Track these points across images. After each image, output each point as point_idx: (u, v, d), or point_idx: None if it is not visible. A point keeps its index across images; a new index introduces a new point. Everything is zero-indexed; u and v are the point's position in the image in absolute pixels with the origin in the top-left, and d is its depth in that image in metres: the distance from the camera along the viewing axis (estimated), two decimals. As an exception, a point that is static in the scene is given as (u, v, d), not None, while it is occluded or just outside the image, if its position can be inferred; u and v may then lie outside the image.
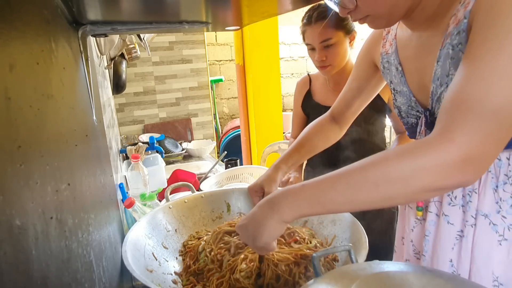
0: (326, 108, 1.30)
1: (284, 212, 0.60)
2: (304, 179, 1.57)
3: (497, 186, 0.67)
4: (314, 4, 1.21)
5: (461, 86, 0.53)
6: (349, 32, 1.24)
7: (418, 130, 0.77)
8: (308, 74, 1.50)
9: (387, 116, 1.38)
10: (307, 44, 1.28)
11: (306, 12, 1.27)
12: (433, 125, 0.67)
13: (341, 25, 1.21)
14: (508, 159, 0.65)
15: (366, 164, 0.56)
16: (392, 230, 1.41)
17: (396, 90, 0.82)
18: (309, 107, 1.44)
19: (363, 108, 1.01)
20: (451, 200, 0.73)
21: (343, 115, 1.03)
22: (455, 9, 0.62)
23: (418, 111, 0.77)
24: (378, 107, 1.31)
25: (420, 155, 0.52)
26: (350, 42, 1.27)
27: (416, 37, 0.74)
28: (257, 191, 0.96)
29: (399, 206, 0.93)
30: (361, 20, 0.68)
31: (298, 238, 0.85)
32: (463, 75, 0.53)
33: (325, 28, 1.20)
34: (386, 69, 0.85)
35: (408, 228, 0.86)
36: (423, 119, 0.75)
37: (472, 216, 0.70)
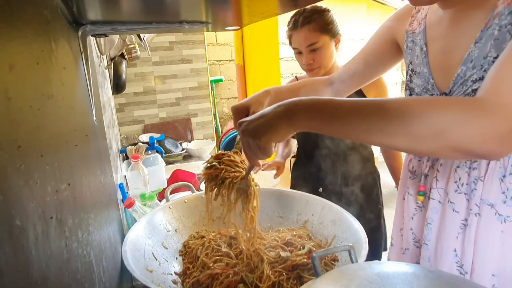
0: None
1: (297, 117, 0.57)
2: (292, 172, 1.60)
3: (504, 176, 0.66)
4: (299, 8, 1.21)
5: None
6: (334, 35, 1.29)
7: None
8: (295, 77, 1.52)
9: None
10: (294, 48, 1.32)
11: (292, 17, 1.29)
12: None
13: (326, 29, 1.25)
14: None
15: (407, 102, 0.53)
16: (379, 226, 1.43)
17: (415, 71, 0.79)
18: None
19: (363, 85, 0.98)
20: (458, 187, 0.71)
21: (342, 84, 0.98)
22: None
23: (432, 94, 0.75)
24: None
25: (470, 110, 0.50)
26: (335, 45, 1.31)
27: (450, 16, 0.71)
28: (242, 112, 0.88)
29: (397, 196, 0.90)
30: None
31: (291, 241, 0.86)
32: None
33: (311, 32, 1.24)
34: (409, 48, 0.82)
35: (407, 216, 0.85)
36: None
37: (476, 205, 0.68)
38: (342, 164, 1.35)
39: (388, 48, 0.91)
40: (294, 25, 1.27)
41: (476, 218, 0.69)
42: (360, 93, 1.33)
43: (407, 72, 0.83)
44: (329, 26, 1.26)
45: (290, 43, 1.33)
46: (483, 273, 0.69)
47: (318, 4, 1.16)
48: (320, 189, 1.41)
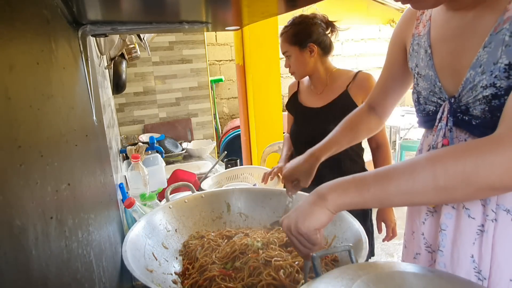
0: (308, 108, 1.51)
1: (332, 200, 0.60)
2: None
3: None
4: (281, 13, 1.24)
5: None
6: (303, 46, 1.40)
7: (438, 117, 0.73)
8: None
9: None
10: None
11: None
12: (457, 113, 0.69)
13: (293, 40, 1.41)
14: None
15: (428, 157, 0.55)
16: (367, 231, 1.42)
17: (420, 74, 0.78)
18: (295, 106, 1.57)
19: (401, 99, 1.00)
20: None
21: (381, 105, 1.00)
22: None
23: (440, 98, 0.73)
24: (350, 110, 1.34)
25: (487, 151, 0.52)
26: (311, 53, 1.41)
27: (457, 17, 0.69)
28: (293, 181, 0.94)
29: None
30: (405, 1, 0.64)
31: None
32: None
33: (283, 42, 1.44)
34: (414, 51, 0.81)
35: (419, 221, 0.83)
36: (446, 106, 0.71)
37: (493, 211, 0.67)
38: (332, 163, 1.33)
39: (403, 57, 0.89)
40: (280, 35, 1.47)
41: (493, 224, 0.67)
42: (348, 97, 1.39)
43: (414, 76, 0.82)
44: (295, 38, 1.40)
45: None
46: (500, 278, 0.68)
47: (305, 9, 1.19)
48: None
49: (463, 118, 0.68)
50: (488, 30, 0.62)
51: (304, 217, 0.62)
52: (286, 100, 1.69)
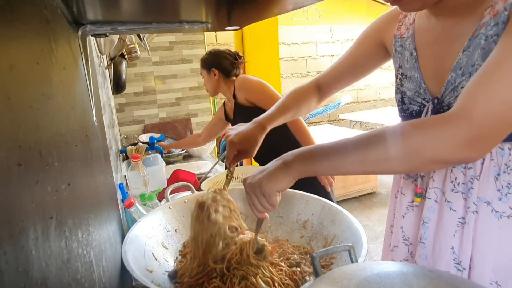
0: (231, 120, 1.88)
1: (296, 167, 0.65)
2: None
3: (498, 174, 0.69)
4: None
5: (491, 70, 0.56)
6: (209, 69, 1.78)
7: (422, 116, 0.77)
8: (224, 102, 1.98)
9: None
10: None
11: None
12: (439, 112, 0.70)
13: (203, 65, 1.81)
14: (510, 149, 0.67)
15: (382, 130, 0.60)
16: (329, 197, 1.43)
17: (405, 75, 0.81)
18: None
19: (348, 86, 1.03)
20: (454, 186, 0.73)
21: (328, 86, 1.03)
22: (492, 0, 0.63)
23: (424, 98, 0.77)
24: (249, 114, 1.42)
25: (435, 127, 0.56)
26: (215, 75, 1.77)
27: (439, 23, 0.73)
28: (237, 148, 0.92)
29: (390, 194, 0.94)
30: (394, 2, 0.67)
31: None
32: (495, 60, 0.56)
33: (200, 67, 1.84)
34: (398, 53, 0.84)
35: (398, 214, 0.87)
36: (429, 107, 0.75)
37: (474, 203, 0.71)
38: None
39: (375, 50, 0.93)
40: None
41: (474, 215, 0.71)
42: (237, 103, 1.73)
43: (396, 76, 0.85)
44: (202, 64, 1.82)
45: None
46: (483, 269, 0.71)
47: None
48: None
49: None
50: (468, 35, 0.67)
51: (269, 179, 0.67)
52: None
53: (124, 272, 0.76)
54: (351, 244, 0.58)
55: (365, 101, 5.54)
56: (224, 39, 4.24)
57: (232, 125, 1.80)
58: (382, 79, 5.50)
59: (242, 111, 1.72)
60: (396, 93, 0.85)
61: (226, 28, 0.96)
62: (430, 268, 0.49)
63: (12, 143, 0.27)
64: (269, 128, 0.96)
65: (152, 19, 0.77)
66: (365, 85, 5.45)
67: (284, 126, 1.46)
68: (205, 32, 3.52)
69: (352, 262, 0.56)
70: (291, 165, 0.66)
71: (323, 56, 5.14)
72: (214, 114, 4.07)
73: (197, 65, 3.50)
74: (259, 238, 0.79)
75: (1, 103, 0.26)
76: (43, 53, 0.41)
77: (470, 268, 0.73)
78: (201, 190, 1.40)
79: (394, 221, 0.90)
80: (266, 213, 0.74)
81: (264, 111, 1.11)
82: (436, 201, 0.76)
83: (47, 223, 0.33)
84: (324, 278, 0.48)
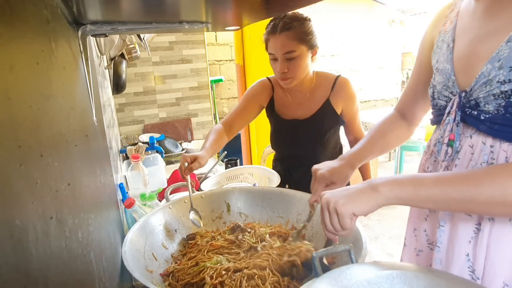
0: (286, 121, 1.36)
1: (384, 192, 0.61)
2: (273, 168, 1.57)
3: None
4: (282, 13, 1.17)
5: None
6: (312, 47, 1.23)
7: (447, 111, 0.72)
8: (268, 78, 1.43)
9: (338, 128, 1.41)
10: (269, 54, 1.26)
11: (271, 21, 1.23)
12: (465, 107, 0.68)
13: (305, 39, 1.20)
14: None
15: (498, 170, 0.56)
16: None
17: (438, 69, 0.76)
18: (272, 117, 1.42)
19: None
20: None
21: (410, 111, 0.95)
22: None
23: (452, 92, 0.72)
24: (333, 121, 1.34)
25: None
26: (312, 57, 1.26)
27: (482, 8, 0.68)
28: (326, 182, 0.88)
29: None
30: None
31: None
32: None
33: (289, 40, 1.18)
34: (438, 47, 0.78)
35: (421, 217, 0.83)
36: (455, 100, 0.70)
37: None
38: (311, 159, 1.24)
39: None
40: (273, 29, 1.20)
41: (490, 223, 0.67)
42: (329, 107, 1.30)
43: (433, 72, 0.79)
44: (308, 36, 1.20)
45: (266, 48, 1.27)
46: (493, 279, 0.68)
47: (306, 9, 1.13)
48: (287, 186, 1.38)
49: (471, 113, 0.68)
50: None
51: (348, 199, 0.62)
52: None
53: (124, 272, 0.76)
54: (351, 244, 0.58)
55: (365, 101, 5.54)
56: (224, 39, 4.25)
57: (282, 131, 1.40)
58: (382, 79, 5.51)
59: (331, 117, 1.32)
60: (429, 88, 0.80)
61: (226, 28, 0.96)
62: (431, 268, 0.49)
63: (12, 143, 0.27)
64: (357, 166, 0.93)
65: (152, 19, 0.77)
66: (365, 85, 5.45)
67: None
68: (205, 32, 3.52)
69: (352, 262, 0.56)
70: (378, 189, 0.61)
71: (323, 56, 5.14)
72: (214, 114, 4.09)
73: (197, 65, 3.51)
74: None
75: (1, 103, 0.26)
76: (43, 53, 0.41)
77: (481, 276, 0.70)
78: (201, 190, 1.40)
79: (417, 224, 0.85)
80: (336, 236, 0.68)
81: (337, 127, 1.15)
82: None
83: (47, 223, 0.33)
84: (324, 278, 0.48)
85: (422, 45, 0.88)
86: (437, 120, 0.78)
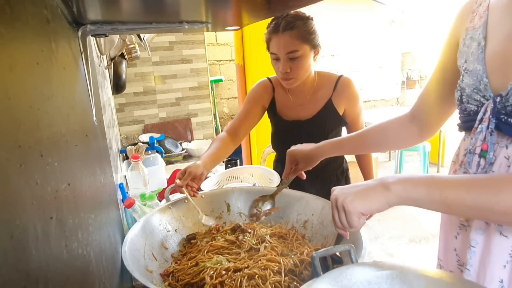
0: (288, 122, 1.34)
1: (396, 191, 0.57)
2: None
3: None
4: (282, 13, 1.16)
5: None
6: (314, 46, 1.21)
7: (479, 118, 0.65)
8: (268, 78, 1.41)
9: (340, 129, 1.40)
10: (271, 53, 1.24)
11: (273, 20, 1.21)
12: (501, 114, 0.61)
13: (308, 38, 1.18)
14: None
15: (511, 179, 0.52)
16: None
17: (467, 70, 0.68)
18: (274, 118, 1.40)
19: (451, 109, 0.83)
20: None
21: (424, 114, 0.86)
22: None
23: (484, 96, 0.64)
24: (335, 121, 1.33)
25: None
26: (314, 56, 1.24)
27: None
28: (295, 162, 0.86)
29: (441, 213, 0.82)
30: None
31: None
32: None
33: (293, 39, 1.16)
34: (465, 46, 0.70)
35: (451, 234, 0.75)
36: (489, 106, 0.62)
37: None
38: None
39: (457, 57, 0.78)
40: (275, 29, 1.17)
41: None
42: (331, 107, 1.29)
43: (461, 73, 0.72)
44: (311, 35, 1.18)
45: (268, 48, 1.25)
46: None
47: (306, 9, 1.12)
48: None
49: (508, 120, 0.60)
50: None
51: (356, 196, 0.60)
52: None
53: (124, 272, 0.76)
54: (351, 244, 0.58)
55: (365, 101, 5.54)
56: (224, 39, 4.25)
57: (284, 133, 1.39)
58: (382, 79, 5.51)
59: (332, 118, 1.30)
60: (456, 90, 0.72)
61: (226, 28, 0.96)
62: (430, 268, 0.49)
63: (12, 143, 0.27)
64: (329, 155, 0.90)
65: (152, 19, 0.77)
66: (365, 85, 5.45)
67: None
68: (205, 32, 3.52)
69: (352, 262, 0.56)
70: (390, 188, 0.58)
71: (323, 56, 5.14)
72: (214, 114, 4.09)
73: (197, 65, 3.51)
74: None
75: (1, 103, 0.26)
76: (43, 53, 0.41)
77: None
78: (201, 190, 1.40)
79: (449, 243, 0.77)
80: (347, 232, 0.66)
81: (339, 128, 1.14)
82: (486, 222, 0.65)
83: (47, 223, 0.33)
84: (324, 278, 0.48)
85: (446, 44, 0.80)
86: (467, 126, 0.70)
